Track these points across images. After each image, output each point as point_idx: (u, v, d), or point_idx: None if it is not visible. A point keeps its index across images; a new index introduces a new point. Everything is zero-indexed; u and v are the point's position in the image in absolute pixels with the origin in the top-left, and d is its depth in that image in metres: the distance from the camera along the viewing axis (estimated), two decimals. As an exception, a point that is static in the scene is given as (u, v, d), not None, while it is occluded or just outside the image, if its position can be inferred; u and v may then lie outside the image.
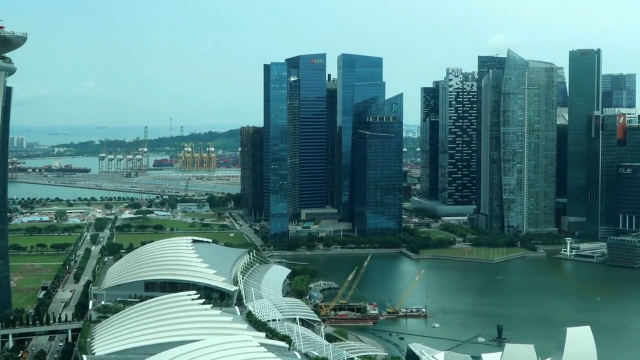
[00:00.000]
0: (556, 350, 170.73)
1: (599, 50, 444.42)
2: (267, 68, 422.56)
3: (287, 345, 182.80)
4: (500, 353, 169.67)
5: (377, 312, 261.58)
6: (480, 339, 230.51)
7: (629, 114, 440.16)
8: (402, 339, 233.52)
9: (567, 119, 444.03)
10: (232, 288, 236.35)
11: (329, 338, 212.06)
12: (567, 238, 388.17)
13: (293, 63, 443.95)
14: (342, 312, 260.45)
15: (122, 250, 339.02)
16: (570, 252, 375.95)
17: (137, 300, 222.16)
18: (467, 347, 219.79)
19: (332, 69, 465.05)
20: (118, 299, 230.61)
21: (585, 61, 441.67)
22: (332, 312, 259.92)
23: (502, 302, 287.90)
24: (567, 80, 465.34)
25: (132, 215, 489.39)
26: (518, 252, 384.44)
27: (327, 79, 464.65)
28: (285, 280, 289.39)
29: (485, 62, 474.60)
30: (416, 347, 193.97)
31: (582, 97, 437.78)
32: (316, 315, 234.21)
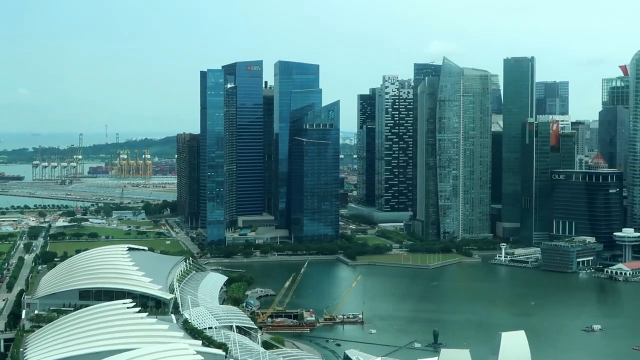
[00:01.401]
0: (491, 355, 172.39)
1: (532, 58, 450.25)
2: (203, 75, 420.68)
3: (224, 353, 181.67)
4: (436, 358, 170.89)
5: (314, 318, 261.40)
6: (417, 345, 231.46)
7: (562, 121, 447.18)
8: (339, 345, 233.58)
9: (501, 125, 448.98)
10: (168, 296, 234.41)
11: (266, 345, 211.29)
12: (502, 244, 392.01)
13: (230, 70, 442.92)
14: (279, 319, 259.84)
15: (56, 259, 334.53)
16: (505, 257, 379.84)
17: (72, 309, 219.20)
18: (403, 353, 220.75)
19: (268, 76, 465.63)
20: (52, 308, 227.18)
21: (519, 69, 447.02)
22: (269, 319, 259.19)
23: (438, 307, 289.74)
24: (501, 87, 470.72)
25: (66, 224, 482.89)
26: (454, 258, 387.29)
27: (263, 86, 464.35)
28: (221, 288, 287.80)
29: (421, 70, 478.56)
30: (353, 354, 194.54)
31: (516, 105, 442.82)
32: (253, 323, 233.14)
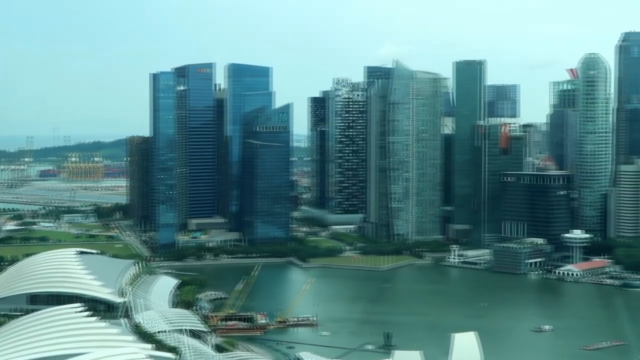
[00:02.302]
0: (443, 356, 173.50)
1: (483, 61, 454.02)
2: (154, 77, 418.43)
3: (175, 357, 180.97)
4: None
5: (266, 321, 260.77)
6: (369, 347, 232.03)
7: (512, 123, 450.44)
8: (291, 347, 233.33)
9: (452, 128, 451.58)
10: (119, 300, 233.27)
11: (218, 348, 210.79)
12: (453, 245, 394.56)
13: (181, 72, 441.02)
14: (231, 322, 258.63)
15: (4, 263, 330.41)
16: (455, 259, 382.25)
17: (21, 313, 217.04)
18: (355, 355, 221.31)
19: (220, 79, 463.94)
20: (1, 313, 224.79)
21: (469, 72, 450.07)
22: (221, 322, 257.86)
23: (390, 309, 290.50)
24: (452, 90, 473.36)
25: (15, 227, 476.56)
26: (405, 260, 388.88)
27: (215, 88, 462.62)
28: (173, 291, 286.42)
29: (373, 73, 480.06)
30: (305, 356, 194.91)
31: (467, 107, 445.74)
32: (205, 326, 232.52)
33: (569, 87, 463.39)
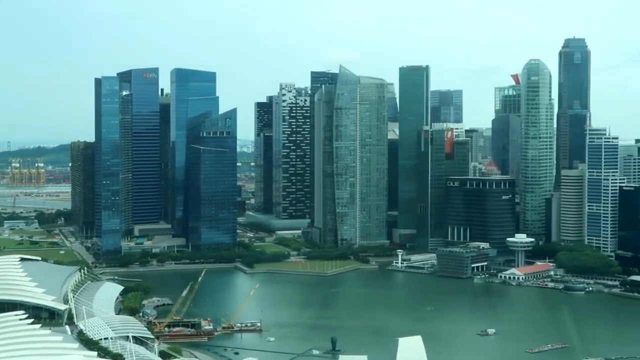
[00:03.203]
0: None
1: (427, 66, 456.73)
2: (98, 82, 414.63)
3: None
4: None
5: (211, 327, 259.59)
6: (315, 352, 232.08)
7: (456, 128, 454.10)
8: (237, 353, 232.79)
9: (397, 133, 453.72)
10: (62, 307, 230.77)
11: (163, 355, 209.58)
12: (399, 250, 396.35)
13: (125, 77, 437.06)
14: (177, 329, 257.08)
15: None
16: (401, 263, 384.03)
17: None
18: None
19: (165, 84, 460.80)
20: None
21: (414, 77, 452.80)
22: (166, 328, 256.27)
23: (336, 314, 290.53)
24: (397, 95, 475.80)
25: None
26: (351, 265, 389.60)
27: (160, 93, 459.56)
28: (117, 298, 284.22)
29: (318, 78, 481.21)
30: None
31: (412, 112, 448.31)
32: (150, 333, 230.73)
33: (513, 93, 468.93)
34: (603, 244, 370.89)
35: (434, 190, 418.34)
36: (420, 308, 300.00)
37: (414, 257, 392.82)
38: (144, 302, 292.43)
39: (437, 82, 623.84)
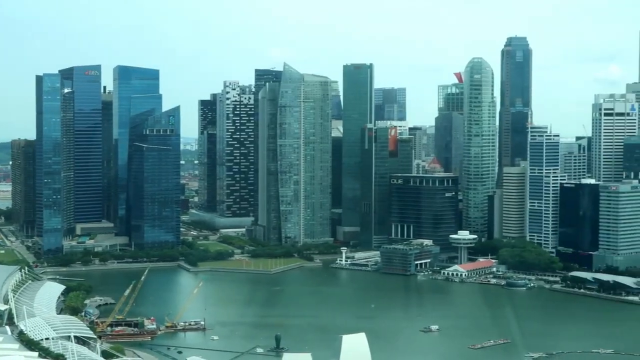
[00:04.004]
0: (332, 358, 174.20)
1: (371, 64, 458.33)
2: (39, 79, 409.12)
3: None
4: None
5: (155, 326, 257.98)
6: (259, 350, 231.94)
7: (400, 126, 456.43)
8: (180, 352, 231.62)
9: (341, 131, 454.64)
10: (2, 307, 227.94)
11: (106, 355, 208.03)
12: (343, 247, 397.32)
13: (67, 74, 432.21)
14: (119, 328, 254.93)
15: None
16: (345, 261, 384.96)
17: None
18: (245, 359, 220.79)
19: (107, 81, 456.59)
20: None
21: (358, 75, 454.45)
22: (108, 328, 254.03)
23: (281, 312, 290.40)
24: (341, 93, 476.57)
25: None
26: (295, 263, 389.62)
27: (102, 90, 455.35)
28: (59, 297, 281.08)
29: (262, 76, 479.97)
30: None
31: (356, 110, 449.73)
32: (92, 332, 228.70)
33: (456, 91, 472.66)
34: (544, 240, 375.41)
35: (377, 188, 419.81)
36: (364, 305, 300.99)
37: (358, 255, 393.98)
38: (86, 301, 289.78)
39: (381, 81, 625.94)
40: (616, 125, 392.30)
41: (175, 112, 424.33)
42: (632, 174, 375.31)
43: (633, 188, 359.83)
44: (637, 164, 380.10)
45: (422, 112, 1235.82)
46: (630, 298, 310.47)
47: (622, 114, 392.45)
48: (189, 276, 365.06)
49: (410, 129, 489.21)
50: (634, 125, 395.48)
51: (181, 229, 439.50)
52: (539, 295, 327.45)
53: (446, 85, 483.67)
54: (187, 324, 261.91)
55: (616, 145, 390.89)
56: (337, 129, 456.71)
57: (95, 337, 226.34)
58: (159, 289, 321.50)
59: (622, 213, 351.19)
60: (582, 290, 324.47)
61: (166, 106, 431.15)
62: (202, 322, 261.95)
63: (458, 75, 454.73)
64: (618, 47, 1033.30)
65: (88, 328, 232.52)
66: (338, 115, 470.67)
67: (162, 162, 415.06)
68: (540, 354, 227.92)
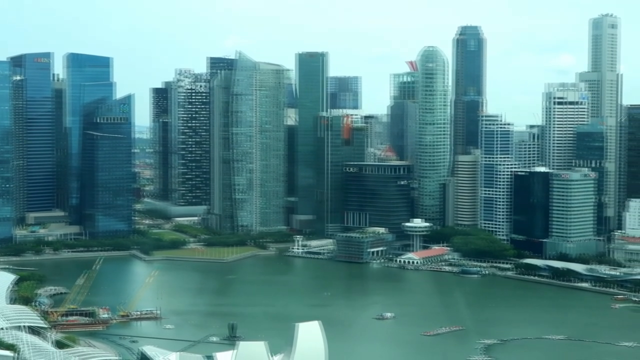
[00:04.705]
0: (287, 346, 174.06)
1: (325, 53, 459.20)
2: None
3: (13, 355, 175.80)
4: (233, 351, 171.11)
5: (108, 315, 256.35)
6: (213, 338, 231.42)
7: (354, 115, 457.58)
8: (134, 341, 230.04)
9: (296, 119, 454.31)
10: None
11: (59, 345, 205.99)
12: (297, 236, 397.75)
13: (17, 62, 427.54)
14: (72, 318, 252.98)
15: None
16: (299, 249, 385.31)
17: None
18: (200, 347, 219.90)
19: (59, 69, 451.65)
20: None
21: (312, 63, 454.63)
22: (61, 317, 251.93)
23: (236, 301, 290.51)
24: (295, 81, 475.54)
25: None
26: (250, 251, 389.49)
27: (53, 78, 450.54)
28: (10, 287, 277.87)
29: (216, 64, 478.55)
30: (149, 350, 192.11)
31: (310, 99, 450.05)
32: (44, 322, 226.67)
33: (409, 79, 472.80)
34: (497, 228, 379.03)
35: (331, 176, 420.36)
36: (318, 293, 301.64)
37: (312, 243, 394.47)
38: (39, 291, 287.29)
39: (336, 69, 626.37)
40: (568, 114, 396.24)
41: (127, 100, 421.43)
42: (583, 162, 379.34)
43: (584, 176, 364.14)
44: (588, 152, 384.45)
45: (376, 101, 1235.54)
46: (581, 285, 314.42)
47: (573, 103, 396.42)
48: (143, 265, 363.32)
49: (364, 117, 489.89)
50: (585, 114, 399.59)
51: (135, 218, 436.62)
52: (492, 283, 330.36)
53: (400, 73, 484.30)
54: (141, 313, 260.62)
55: (568, 134, 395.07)
56: (291, 117, 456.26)
57: (48, 327, 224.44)
58: (113, 278, 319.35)
59: (574, 201, 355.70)
60: (534, 277, 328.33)
61: (119, 94, 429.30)
62: (157, 311, 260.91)
63: (411, 64, 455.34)
64: (570, 36, 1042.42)
65: (41, 318, 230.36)
66: (292, 104, 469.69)
67: (114, 150, 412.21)
68: (493, 341, 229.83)
